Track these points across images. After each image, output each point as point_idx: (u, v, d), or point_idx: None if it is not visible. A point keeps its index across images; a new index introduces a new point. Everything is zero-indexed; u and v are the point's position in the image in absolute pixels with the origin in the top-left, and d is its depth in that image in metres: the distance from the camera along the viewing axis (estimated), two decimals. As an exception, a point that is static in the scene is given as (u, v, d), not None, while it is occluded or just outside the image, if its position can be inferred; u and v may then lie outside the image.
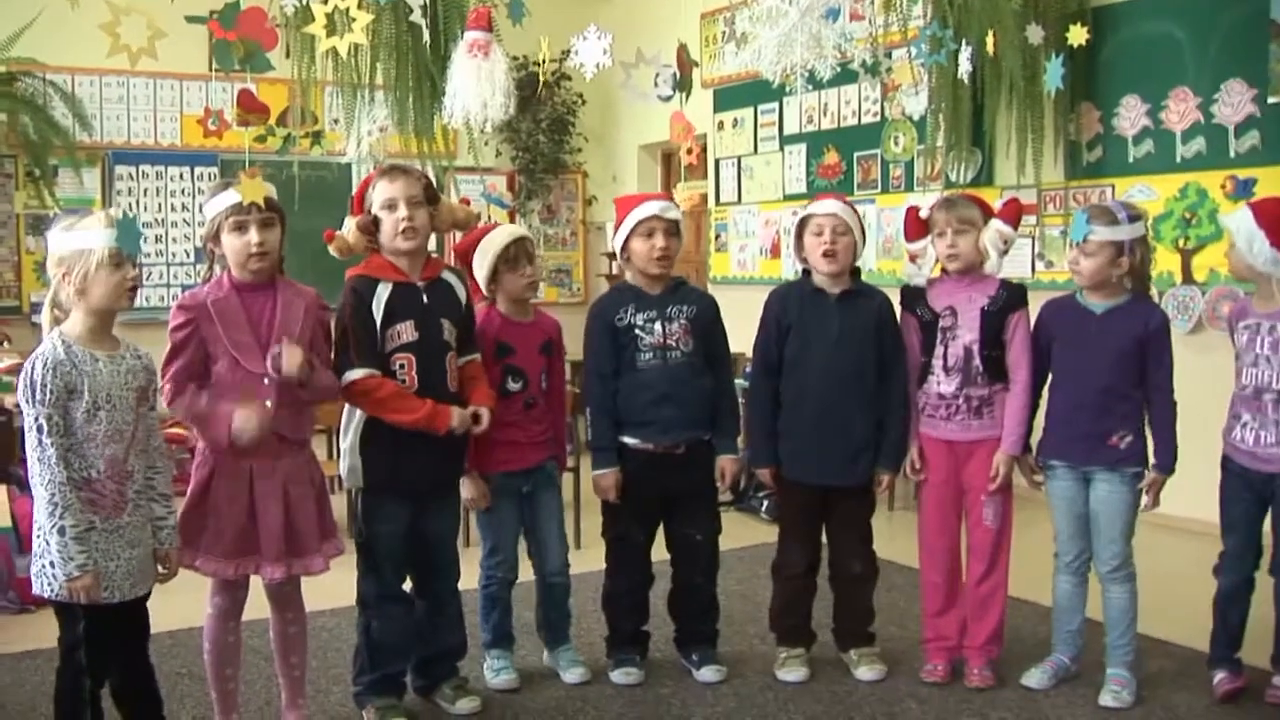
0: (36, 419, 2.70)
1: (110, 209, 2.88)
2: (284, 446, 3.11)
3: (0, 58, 7.77)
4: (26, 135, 7.92)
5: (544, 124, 9.98)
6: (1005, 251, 3.68)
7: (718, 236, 9.18)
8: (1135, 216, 3.60)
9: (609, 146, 10.30)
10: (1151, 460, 3.60)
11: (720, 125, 9.05)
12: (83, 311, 2.80)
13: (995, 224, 3.66)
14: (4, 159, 8.13)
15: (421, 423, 3.28)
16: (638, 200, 3.85)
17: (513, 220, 10.13)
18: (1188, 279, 5.93)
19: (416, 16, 3.78)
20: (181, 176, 8.73)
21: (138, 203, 8.62)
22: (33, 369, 2.72)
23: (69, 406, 2.73)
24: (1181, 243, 5.95)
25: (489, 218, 9.98)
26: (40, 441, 2.70)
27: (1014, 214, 3.68)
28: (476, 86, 3.78)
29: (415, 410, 3.29)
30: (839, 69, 4.50)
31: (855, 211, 3.80)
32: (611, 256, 10.13)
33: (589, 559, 4.28)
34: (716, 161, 9.13)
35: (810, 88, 3.51)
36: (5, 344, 6.50)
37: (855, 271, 3.82)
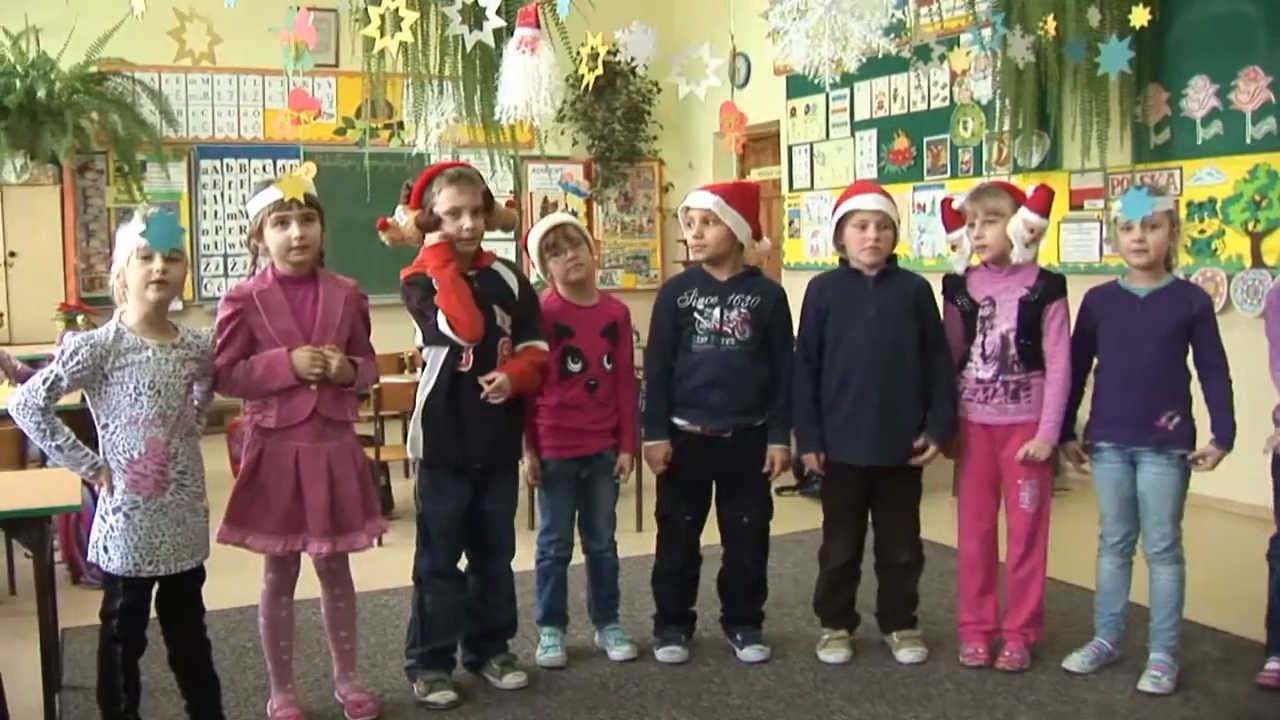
0: (53, 373, 2.89)
1: (146, 206, 3.06)
2: (328, 428, 3.27)
3: (90, 59, 8.10)
4: (115, 133, 8.26)
5: (619, 112, 10.08)
6: (1034, 241, 3.68)
7: (791, 222, 9.20)
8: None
9: (685, 134, 10.36)
10: (1210, 435, 3.58)
11: (793, 111, 9.07)
12: (130, 303, 3.01)
13: (1022, 213, 3.66)
14: (95, 156, 8.48)
15: (447, 282, 3.41)
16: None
17: (590, 208, 10.28)
18: (1257, 262, 5.83)
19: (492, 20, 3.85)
20: (265, 169, 9.01)
21: (222, 195, 8.94)
22: (77, 339, 2.94)
23: (94, 386, 2.94)
24: (1251, 225, 5.85)
25: (566, 206, 10.18)
26: (36, 389, 2.88)
27: (1044, 202, 3.66)
28: (523, 82, 3.87)
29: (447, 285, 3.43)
30: (894, 54, 4.50)
31: (893, 201, 3.85)
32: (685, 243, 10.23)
33: (650, 541, 4.36)
34: (789, 147, 9.15)
35: (837, 80, 3.54)
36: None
37: (892, 258, 3.85)
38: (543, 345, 3.65)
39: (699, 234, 3.83)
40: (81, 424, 3.12)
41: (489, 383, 3.45)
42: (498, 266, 3.64)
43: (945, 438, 3.80)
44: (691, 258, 3.94)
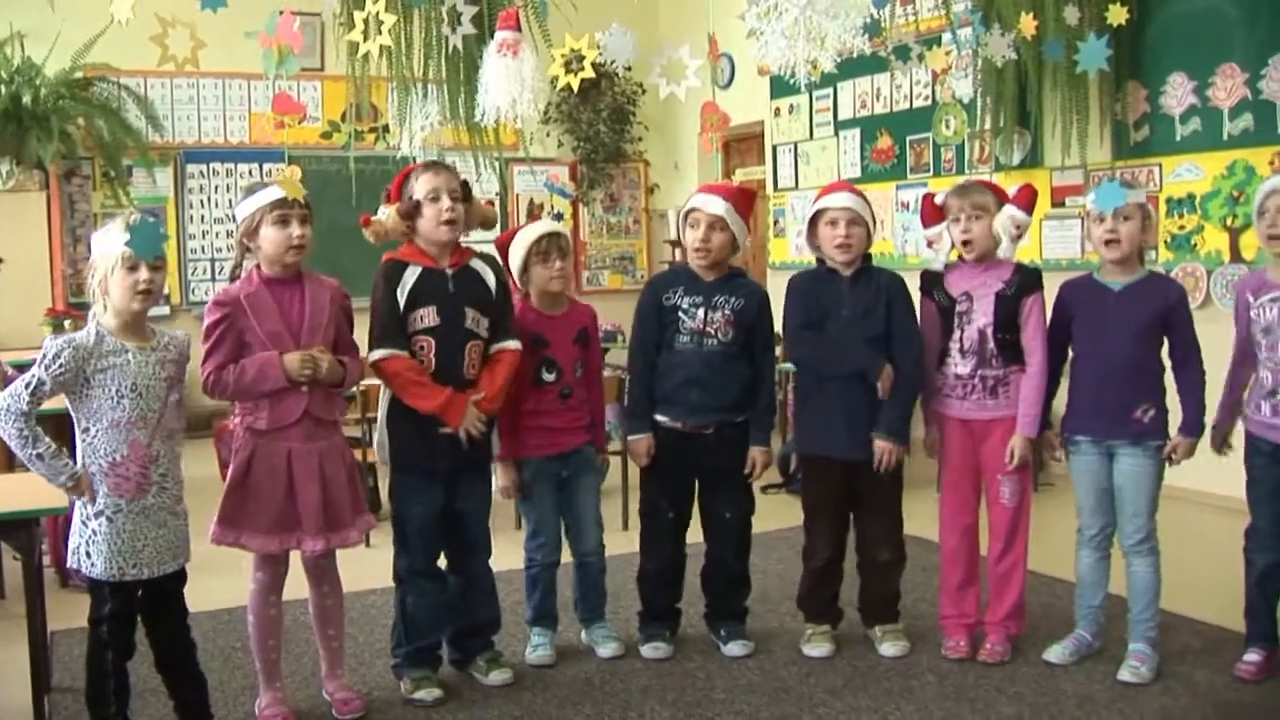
0: (35, 377, 2.89)
1: (130, 213, 3.06)
2: (318, 428, 3.31)
3: (76, 64, 8.11)
4: (101, 138, 8.29)
5: (604, 114, 10.12)
6: (1019, 237, 3.72)
7: (776, 222, 9.25)
8: None
9: (670, 135, 10.39)
10: (1179, 424, 3.63)
11: (776, 112, 9.12)
12: (110, 309, 3.01)
13: (1008, 209, 3.70)
14: (81, 161, 8.49)
15: (436, 411, 3.44)
16: (698, 190, 3.99)
17: (576, 210, 10.32)
18: (1235, 257, 5.89)
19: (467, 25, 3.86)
20: (251, 173, 9.01)
21: (209, 199, 8.96)
22: (58, 342, 2.94)
23: (75, 390, 2.93)
24: (1229, 221, 5.91)
25: (552, 207, 10.20)
26: (19, 394, 2.87)
27: (1028, 200, 3.72)
28: (506, 85, 3.89)
29: (433, 398, 3.44)
30: (870, 55, 4.55)
31: (867, 201, 3.88)
32: (674, 244, 10.26)
33: (635, 540, 4.39)
34: (774, 147, 9.20)
35: (816, 82, 3.58)
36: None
37: (866, 257, 3.88)
38: (515, 345, 3.65)
39: (706, 238, 3.85)
40: (61, 429, 3.13)
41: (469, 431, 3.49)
42: (476, 264, 3.64)
43: (899, 435, 3.78)
44: (693, 261, 3.92)
